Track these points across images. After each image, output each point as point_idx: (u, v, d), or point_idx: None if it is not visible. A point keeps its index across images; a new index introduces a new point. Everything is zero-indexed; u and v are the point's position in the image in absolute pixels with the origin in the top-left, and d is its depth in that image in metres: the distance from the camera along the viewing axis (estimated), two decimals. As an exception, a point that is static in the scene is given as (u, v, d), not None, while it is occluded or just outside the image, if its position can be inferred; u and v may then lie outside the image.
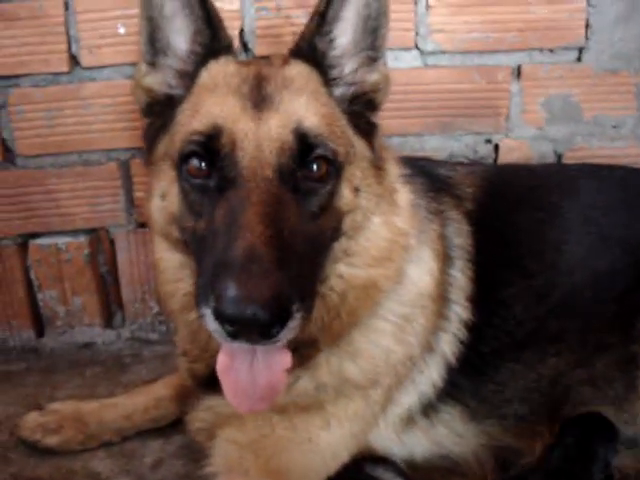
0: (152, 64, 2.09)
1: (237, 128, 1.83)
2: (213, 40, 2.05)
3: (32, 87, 3.11)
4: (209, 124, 1.85)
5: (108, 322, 3.49)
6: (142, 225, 3.30)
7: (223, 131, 1.83)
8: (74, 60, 3.09)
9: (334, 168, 1.92)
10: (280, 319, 1.58)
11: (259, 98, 1.89)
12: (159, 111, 2.11)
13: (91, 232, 3.33)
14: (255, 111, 1.86)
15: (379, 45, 2.09)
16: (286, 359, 1.81)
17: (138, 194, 3.25)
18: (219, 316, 1.58)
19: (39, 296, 3.39)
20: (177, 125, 2.00)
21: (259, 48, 3.09)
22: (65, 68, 3.08)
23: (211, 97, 1.94)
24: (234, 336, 1.61)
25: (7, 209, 3.24)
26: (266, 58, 3.03)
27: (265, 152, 1.80)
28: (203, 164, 1.85)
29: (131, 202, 3.29)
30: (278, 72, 2.00)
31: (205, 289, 1.67)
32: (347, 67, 2.09)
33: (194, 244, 1.90)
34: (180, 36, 2.06)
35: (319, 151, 1.88)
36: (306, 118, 1.88)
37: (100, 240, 3.35)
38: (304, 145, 1.86)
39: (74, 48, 3.07)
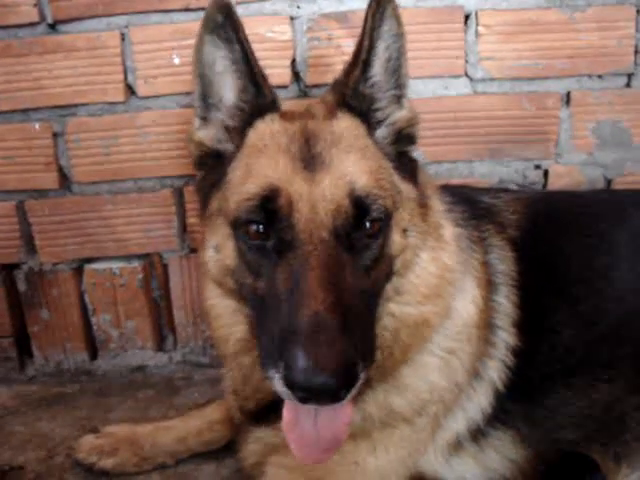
0: (204, 119, 2.16)
1: (292, 190, 1.85)
2: (257, 97, 2.08)
3: (89, 116, 3.18)
4: (264, 186, 1.87)
5: (160, 345, 3.53)
6: (194, 250, 3.34)
7: (279, 193, 1.85)
8: (130, 90, 3.16)
9: (385, 221, 1.95)
10: (348, 384, 1.62)
11: (309, 157, 1.92)
12: (210, 165, 2.17)
13: (145, 257, 3.38)
14: (307, 172, 1.88)
15: (402, 83, 2.13)
16: (347, 411, 1.84)
17: (191, 220, 3.30)
18: (290, 384, 1.62)
19: (93, 320, 3.45)
20: (230, 184, 2.04)
21: (310, 77, 3.13)
22: (121, 98, 3.15)
23: (262, 158, 1.97)
24: (304, 400, 1.65)
25: (63, 235, 3.30)
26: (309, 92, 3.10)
27: (320, 214, 1.83)
28: (261, 227, 1.88)
29: (184, 228, 3.33)
30: (326, 128, 2.02)
31: (272, 353, 1.71)
32: (382, 108, 2.13)
33: (253, 301, 1.94)
34: (230, 92, 2.10)
35: (374, 214, 1.90)
36: (358, 178, 1.90)
37: (153, 265, 3.39)
38: (359, 208, 1.88)
39: (130, 78, 3.14)
